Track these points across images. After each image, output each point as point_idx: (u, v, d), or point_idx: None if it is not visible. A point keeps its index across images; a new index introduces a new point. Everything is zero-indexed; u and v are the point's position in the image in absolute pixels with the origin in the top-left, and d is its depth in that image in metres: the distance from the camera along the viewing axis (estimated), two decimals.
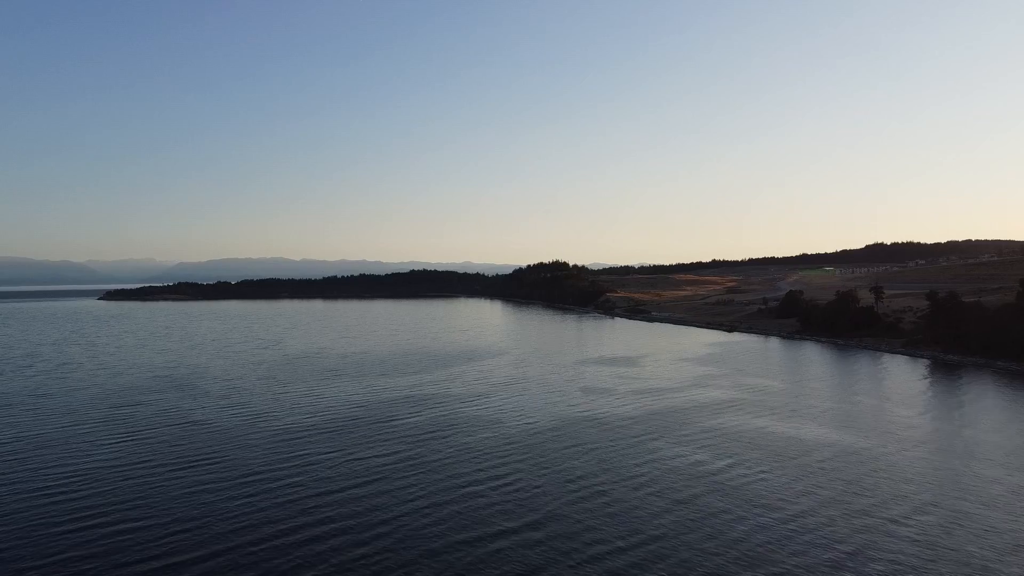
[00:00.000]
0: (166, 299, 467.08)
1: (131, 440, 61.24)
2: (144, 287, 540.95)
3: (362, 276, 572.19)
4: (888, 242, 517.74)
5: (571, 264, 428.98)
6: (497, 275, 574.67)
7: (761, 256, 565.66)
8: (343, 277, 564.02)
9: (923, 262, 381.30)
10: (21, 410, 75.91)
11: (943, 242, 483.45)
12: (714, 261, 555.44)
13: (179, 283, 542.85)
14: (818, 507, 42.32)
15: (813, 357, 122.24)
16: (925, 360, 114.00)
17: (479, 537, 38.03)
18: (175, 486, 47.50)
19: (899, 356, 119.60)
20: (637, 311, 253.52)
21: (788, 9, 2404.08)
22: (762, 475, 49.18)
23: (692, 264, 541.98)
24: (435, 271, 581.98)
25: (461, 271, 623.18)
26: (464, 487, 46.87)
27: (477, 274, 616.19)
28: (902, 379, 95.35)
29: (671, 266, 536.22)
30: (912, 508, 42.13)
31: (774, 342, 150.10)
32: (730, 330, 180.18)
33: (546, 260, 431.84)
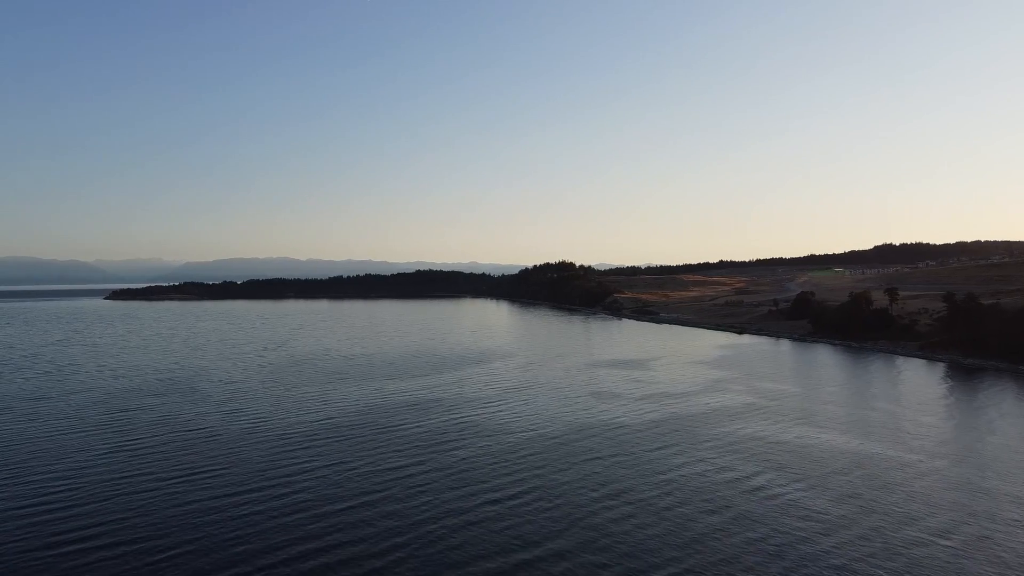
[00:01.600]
0: (172, 299, 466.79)
1: (128, 449, 59.03)
2: (150, 287, 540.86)
3: (368, 276, 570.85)
4: (897, 243, 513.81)
5: (577, 264, 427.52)
6: (503, 275, 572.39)
7: (769, 257, 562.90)
8: (349, 277, 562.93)
9: (933, 263, 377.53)
10: (17, 414, 74.00)
11: (952, 243, 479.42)
12: (721, 262, 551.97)
13: (185, 283, 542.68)
14: (876, 529, 39.30)
15: (827, 360, 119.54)
16: (943, 364, 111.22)
17: (502, 564, 35.19)
18: (173, 500, 45.22)
19: (915, 359, 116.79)
20: (645, 312, 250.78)
21: (796, 9, 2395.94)
22: (795, 490, 46.43)
23: (699, 265, 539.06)
24: (441, 271, 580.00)
25: (467, 271, 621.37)
26: (480, 504, 44.07)
27: (483, 274, 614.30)
28: (922, 384, 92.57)
29: (678, 267, 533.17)
30: (979, 530, 39.25)
31: (786, 344, 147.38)
32: (740, 332, 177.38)
33: (552, 260, 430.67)
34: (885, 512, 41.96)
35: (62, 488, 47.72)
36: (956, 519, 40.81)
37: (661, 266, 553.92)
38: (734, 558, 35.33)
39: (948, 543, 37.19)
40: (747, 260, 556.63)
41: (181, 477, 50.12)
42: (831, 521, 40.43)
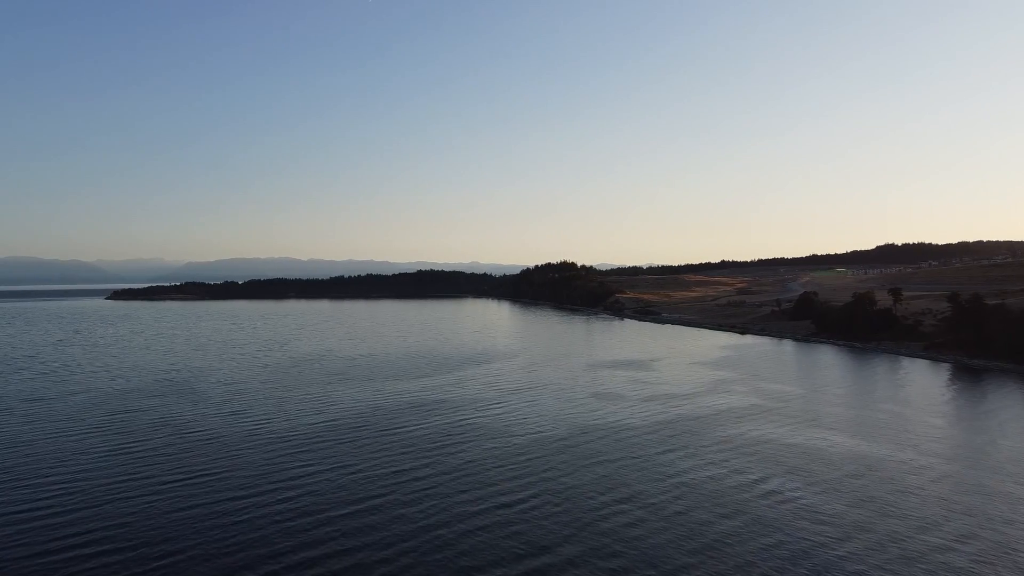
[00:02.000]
0: (173, 299, 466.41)
1: (128, 451, 58.27)
2: (151, 287, 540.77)
3: (369, 276, 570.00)
4: (899, 243, 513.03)
5: (579, 265, 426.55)
6: (504, 275, 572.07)
7: (771, 257, 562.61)
8: (350, 277, 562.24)
9: (936, 263, 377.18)
10: (13, 416, 73.27)
11: (954, 243, 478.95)
12: (723, 262, 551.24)
13: (186, 283, 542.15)
14: (893, 534, 38.53)
15: (831, 361, 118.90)
16: (948, 364, 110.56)
17: (514, 571, 34.29)
18: (174, 504, 44.46)
19: (920, 360, 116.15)
20: (647, 312, 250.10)
21: (798, 9, 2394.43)
22: (809, 494, 45.66)
23: (701, 265, 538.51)
24: (442, 271, 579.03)
25: (468, 271, 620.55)
26: (488, 508, 43.18)
27: (484, 274, 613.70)
28: (928, 385, 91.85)
29: (680, 267, 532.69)
30: (997, 535, 38.45)
31: (789, 345, 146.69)
32: (743, 332, 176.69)
33: (554, 260, 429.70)
34: (901, 517, 41.23)
35: (61, 492, 46.99)
36: (974, 524, 40.07)
37: (663, 266, 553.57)
38: (750, 564, 34.56)
39: (967, 549, 36.47)
40: (749, 260, 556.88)
41: (182, 480, 49.43)
42: (847, 526, 39.66)
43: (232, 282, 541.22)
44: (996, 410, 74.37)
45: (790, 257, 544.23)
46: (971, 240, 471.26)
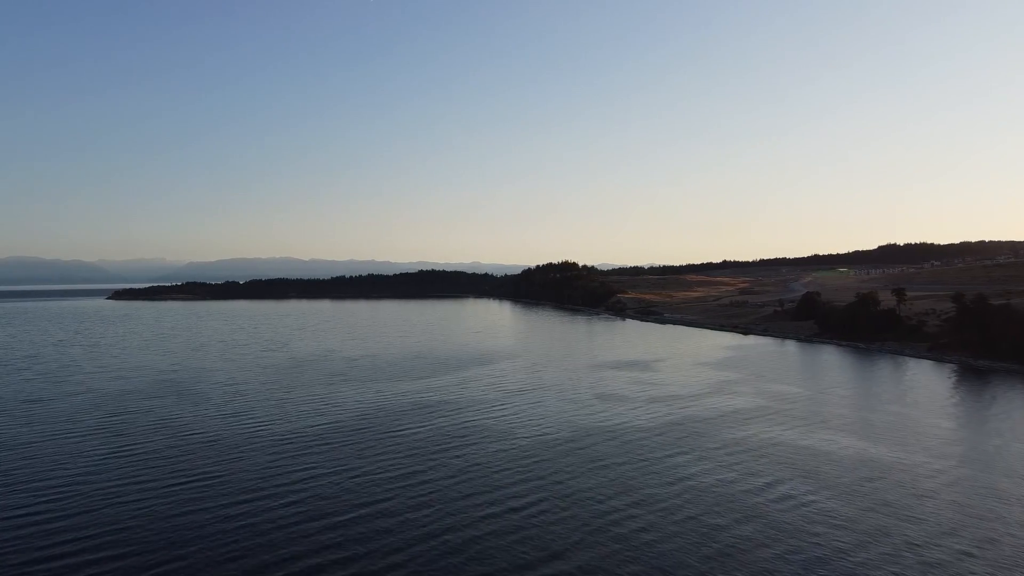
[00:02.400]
0: (174, 299, 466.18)
1: (128, 453, 57.59)
2: (153, 287, 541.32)
3: (370, 276, 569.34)
4: (901, 243, 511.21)
5: (580, 265, 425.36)
6: (506, 275, 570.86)
7: (772, 257, 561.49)
8: (351, 277, 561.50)
9: (938, 263, 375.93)
10: (12, 417, 72.59)
11: (956, 243, 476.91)
12: (725, 262, 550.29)
13: (187, 283, 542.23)
14: (913, 540, 37.72)
15: (834, 361, 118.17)
16: (952, 365, 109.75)
17: None
18: (174, 507, 43.76)
19: (924, 361, 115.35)
20: (648, 312, 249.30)
21: (799, 9, 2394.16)
22: (825, 498, 44.83)
23: (703, 265, 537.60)
24: (443, 271, 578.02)
25: (469, 271, 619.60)
26: (498, 512, 42.44)
27: (486, 274, 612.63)
28: (935, 387, 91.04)
29: (682, 267, 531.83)
30: (1019, 541, 37.68)
31: (792, 345, 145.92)
32: (745, 332, 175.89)
33: (555, 261, 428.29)
34: (917, 521, 40.48)
35: (60, 495, 46.31)
36: (991, 528, 39.32)
37: (664, 266, 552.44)
38: (767, 572, 33.81)
39: (987, 554, 35.70)
40: (751, 260, 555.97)
41: (183, 483, 48.75)
42: (863, 531, 38.89)
43: (233, 282, 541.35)
44: (1005, 412, 73.61)
45: (792, 257, 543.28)
46: (973, 240, 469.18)
